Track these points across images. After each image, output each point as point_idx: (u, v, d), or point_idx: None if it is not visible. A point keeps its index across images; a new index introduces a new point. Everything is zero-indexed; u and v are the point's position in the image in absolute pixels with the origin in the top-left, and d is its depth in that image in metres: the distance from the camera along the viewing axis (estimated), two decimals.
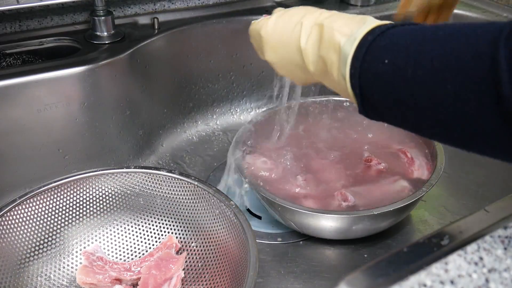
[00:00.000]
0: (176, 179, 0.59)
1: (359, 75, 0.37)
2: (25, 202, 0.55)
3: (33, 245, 0.56)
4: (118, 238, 0.61)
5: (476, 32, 0.31)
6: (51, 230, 0.58)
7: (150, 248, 0.60)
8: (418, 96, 0.33)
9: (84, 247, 0.59)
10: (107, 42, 0.73)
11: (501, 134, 0.30)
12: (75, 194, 0.59)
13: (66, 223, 0.59)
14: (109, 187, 0.60)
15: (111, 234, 0.61)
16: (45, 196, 0.57)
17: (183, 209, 0.60)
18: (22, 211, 0.55)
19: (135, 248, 0.60)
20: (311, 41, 0.43)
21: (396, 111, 0.36)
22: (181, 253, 0.58)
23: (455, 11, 0.86)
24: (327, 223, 0.57)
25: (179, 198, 0.60)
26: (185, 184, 0.59)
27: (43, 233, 0.57)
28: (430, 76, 0.32)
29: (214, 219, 0.57)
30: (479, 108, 0.30)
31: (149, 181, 0.60)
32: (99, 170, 0.60)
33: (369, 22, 0.39)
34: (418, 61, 0.33)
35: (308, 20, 0.44)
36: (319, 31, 0.42)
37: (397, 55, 0.35)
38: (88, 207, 0.60)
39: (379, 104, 0.37)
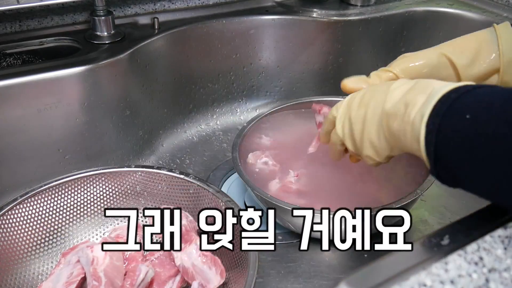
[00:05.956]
0: (177, 178, 0.59)
1: (437, 131, 0.36)
2: (26, 201, 0.55)
3: (34, 243, 0.56)
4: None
5: None
6: (52, 228, 0.58)
7: None
8: (497, 154, 0.32)
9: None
10: (107, 42, 0.73)
11: None
12: (76, 193, 0.59)
13: (67, 221, 0.59)
14: (109, 186, 0.60)
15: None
16: (46, 195, 0.57)
17: (184, 208, 0.60)
18: (23, 210, 0.55)
19: None
20: (401, 90, 0.43)
21: (471, 170, 0.35)
22: None
23: (455, 11, 0.87)
24: None
25: (180, 197, 0.60)
26: (185, 183, 0.59)
27: (44, 231, 0.57)
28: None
29: None
30: None
31: (150, 180, 0.60)
32: (100, 169, 0.60)
33: (452, 84, 0.38)
34: (501, 118, 0.32)
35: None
36: (410, 85, 0.42)
37: (479, 111, 0.34)
38: (88, 206, 0.60)
39: (454, 163, 0.36)
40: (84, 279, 0.53)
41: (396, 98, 0.42)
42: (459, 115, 0.35)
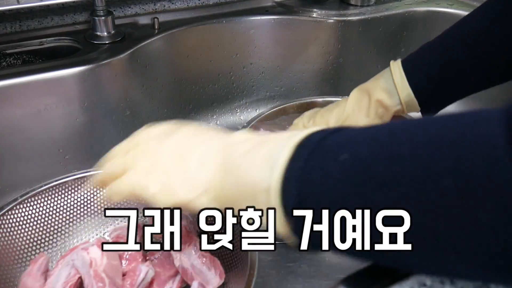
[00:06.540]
0: None
1: (300, 177, 0.30)
2: (26, 201, 0.55)
3: (34, 243, 0.56)
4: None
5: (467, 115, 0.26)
6: (52, 228, 0.58)
7: None
8: (395, 196, 0.27)
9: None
10: (107, 42, 0.73)
11: None
12: (76, 193, 0.59)
13: (67, 221, 0.59)
14: None
15: None
16: (46, 195, 0.57)
17: None
18: (23, 210, 0.55)
19: None
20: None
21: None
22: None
23: (455, 11, 0.87)
24: None
25: None
26: None
27: (44, 231, 0.57)
28: (416, 165, 0.26)
29: None
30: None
31: None
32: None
33: (309, 129, 0.32)
34: (395, 152, 0.27)
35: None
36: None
37: (360, 148, 0.28)
38: (88, 206, 0.60)
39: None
40: (81, 278, 0.53)
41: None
42: (330, 157, 0.29)
